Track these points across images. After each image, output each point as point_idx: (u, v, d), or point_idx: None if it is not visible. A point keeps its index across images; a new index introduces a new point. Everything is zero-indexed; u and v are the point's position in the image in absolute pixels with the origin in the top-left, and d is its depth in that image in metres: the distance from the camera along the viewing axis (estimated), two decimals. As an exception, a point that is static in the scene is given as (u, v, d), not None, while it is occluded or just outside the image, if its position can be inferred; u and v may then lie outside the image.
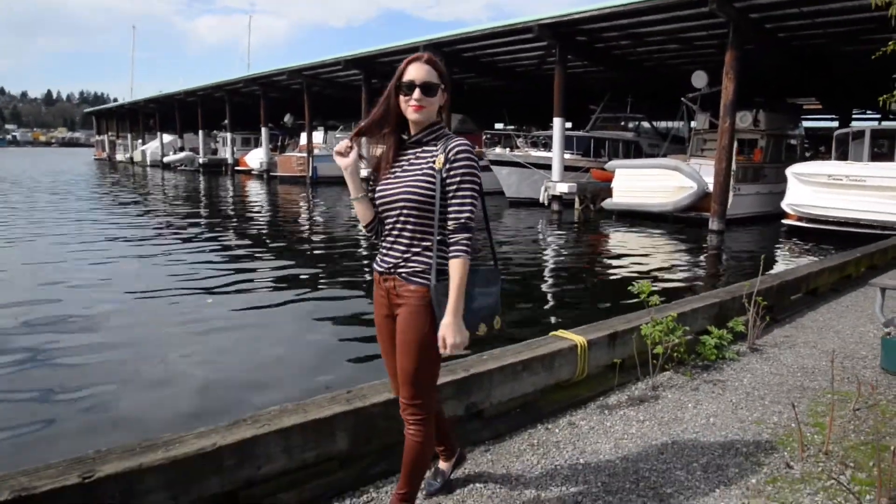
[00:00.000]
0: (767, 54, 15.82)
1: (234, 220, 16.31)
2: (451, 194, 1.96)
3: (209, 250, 10.86)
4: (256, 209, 19.75)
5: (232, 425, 2.25)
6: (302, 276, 8.96)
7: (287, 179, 30.17)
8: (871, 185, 12.10)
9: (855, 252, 7.32)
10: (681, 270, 10.29)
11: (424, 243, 1.99)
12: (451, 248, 1.94)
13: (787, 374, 3.89)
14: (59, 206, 17.75)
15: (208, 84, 35.70)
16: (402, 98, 2.00)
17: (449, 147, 1.97)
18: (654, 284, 4.67)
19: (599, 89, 22.86)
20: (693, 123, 19.08)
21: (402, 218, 2.00)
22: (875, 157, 13.34)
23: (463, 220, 1.94)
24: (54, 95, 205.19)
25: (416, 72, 1.97)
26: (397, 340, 2.04)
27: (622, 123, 23.56)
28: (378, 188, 2.06)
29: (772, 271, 6.85)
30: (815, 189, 12.85)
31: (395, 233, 2.03)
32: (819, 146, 22.38)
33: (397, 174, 2.03)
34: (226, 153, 38.36)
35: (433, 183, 1.96)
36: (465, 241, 1.94)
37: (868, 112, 27.79)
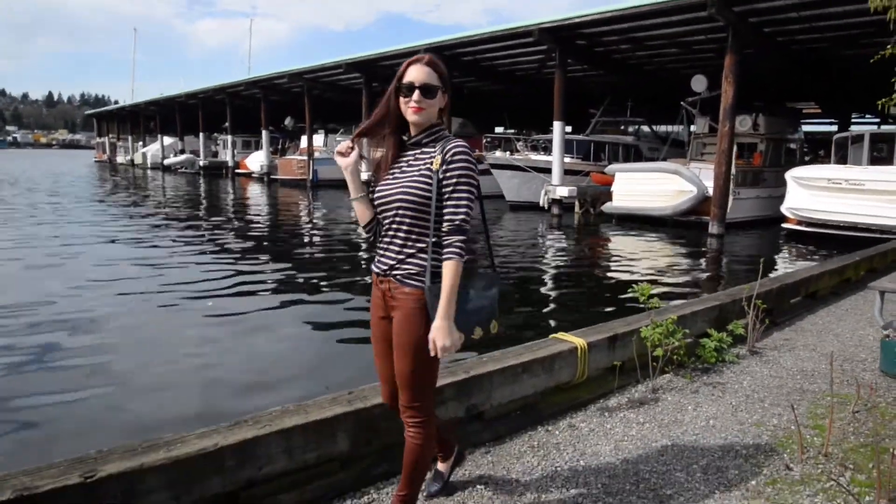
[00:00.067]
0: (767, 58, 15.86)
1: (235, 222, 16.33)
2: (447, 196, 1.94)
3: (209, 253, 10.87)
4: (257, 212, 19.77)
5: (233, 426, 2.25)
6: (302, 279, 8.97)
7: (287, 182, 30.21)
8: (870, 189, 12.11)
9: (854, 255, 7.33)
10: (680, 274, 10.30)
11: (419, 245, 1.98)
12: (445, 249, 1.92)
13: (786, 377, 3.90)
14: (59, 208, 17.77)
15: (209, 87, 35.77)
16: (401, 99, 1.99)
17: (446, 148, 1.96)
18: (654, 288, 4.68)
19: (599, 93, 22.91)
20: (693, 127, 19.11)
21: (397, 219, 2.00)
22: (874, 160, 13.38)
23: (458, 222, 1.93)
24: (55, 97, 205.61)
25: (415, 73, 1.97)
26: (394, 343, 2.03)
27: (622, 127, 23.61)
28: (377, 189, 2.07)
29: (771, 275, 6.85)
30: (815, 193, 12.87)
31: (390, 234, 2.03)
32: (818, 150, 22.42)
33: (396, 175, 2.03)
34: (226, 156, 38.40)
35: (430, 184, 1.95)
36: (458, 243, 1.92)
37: (867, 116, 27.86)
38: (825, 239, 12.57)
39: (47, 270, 8.76)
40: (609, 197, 16.76)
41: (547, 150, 20.87)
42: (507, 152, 21.82)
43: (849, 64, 16.48)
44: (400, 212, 1.98)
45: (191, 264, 9.59)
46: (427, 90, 1.96)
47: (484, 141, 26.31)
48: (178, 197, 23.96)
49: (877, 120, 26.21)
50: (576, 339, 3.47)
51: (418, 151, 2.03)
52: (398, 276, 2.00)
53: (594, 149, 21.37)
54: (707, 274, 10.48)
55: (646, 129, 24.71)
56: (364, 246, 11.85)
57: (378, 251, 2.09)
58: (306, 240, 14.05)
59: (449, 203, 1.94)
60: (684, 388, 3.68)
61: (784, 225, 13.76)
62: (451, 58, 19.28)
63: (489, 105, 29.20)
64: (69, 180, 31.57)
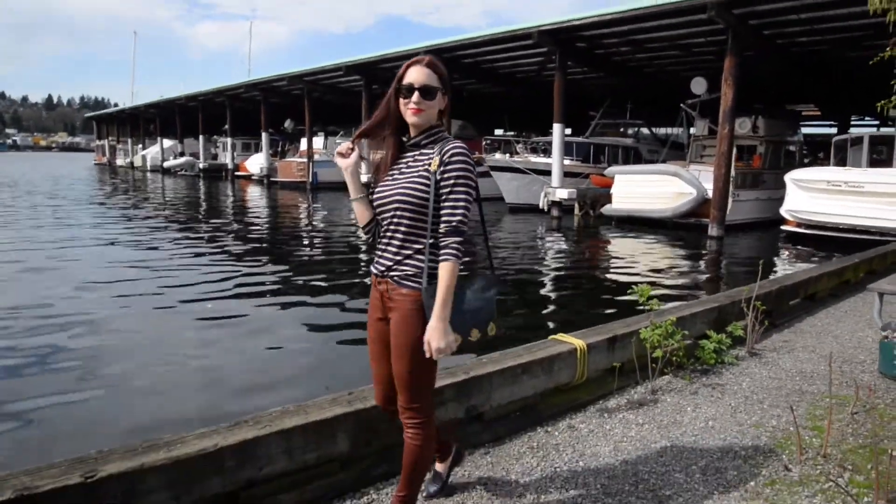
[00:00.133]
0: (766, 61, 15.89)
1: (235, 225, 16.34)
2: (444, 197, 1.94)
3: (209, 255, 10.87)
4: (256, 215, 19.78)
5: (233, 426, 2.26)
6: (302, 281, 8.98)
7: (287, 185, 30.22)
8: (870, 192, 12.13)
9: (853, 257, 7.33)
10: (680, 276, 10.30)
11: (417, 246, 1.97)
12: (441, 251, 1.92)
13: (785, 379, 3.91)
14: (58, 210, 17.77)
15: (209, 89, 35.83)
16: (401, 101, 2.00)
17: (444, 150, 1.96)
18: (654, 289, 4.69)
19: (599, 95, 22.95)
20: (692, 130, 19.15)
21: (395, 220, 1.99)
22: (873, 163, 13.42)
23: (454, 224, 1.92)
24: (55, 100, 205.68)
25: (415, 75, 1.97)
26: (392, 344, 2.03)
27: (622, 129, 23.64)
28: (376, 190, 2.07)
29: (770, 277, 6.86)
30: (814, 195, 12.89)
31: (388, 235, 2.03)
32: (818, 152, 22.45)
33: (395, 176, 2.03)
34: (226, 158, 38.42)
35: (427, 185, 1.95)
36: (455, 245, 1.91)
37: (866, 118, 27.93)
38: (824, 241, 12.58)
39: (47, 273, 8.76)
40: (609, 199, 16.77)
41: (547, 152, 20.88)
42: (507, 154, 21.84)
43: (848, 66, 16.51)
44: (398, 213, 1.98)
45: (190, 266, 9.59)
46: (426, 92, 1.96)
47: (484, 143, 26.35)
48: (178, 199, 23.98)
49: (876, 122, 26.26)
50: (575, 341, 3.47)
51: (417, 153, 2.03)
52: (395, 277, 2.00)
53: (594, 151, 21.40)
54: (706, 276, 10.49)
55: (645, 131, 24.74)
56: (364, 248, 11.86)
57: (377, 252, 2.09)
58: (306, 242, 14.06)
59: (446, 204, 1.94)
60: (683, 390, 3.68)
61: (783, 227, 13.78)
62: (451, 60, 19.31)
63: (489, 107, 29.26)
64: (68, 183, 31.59)
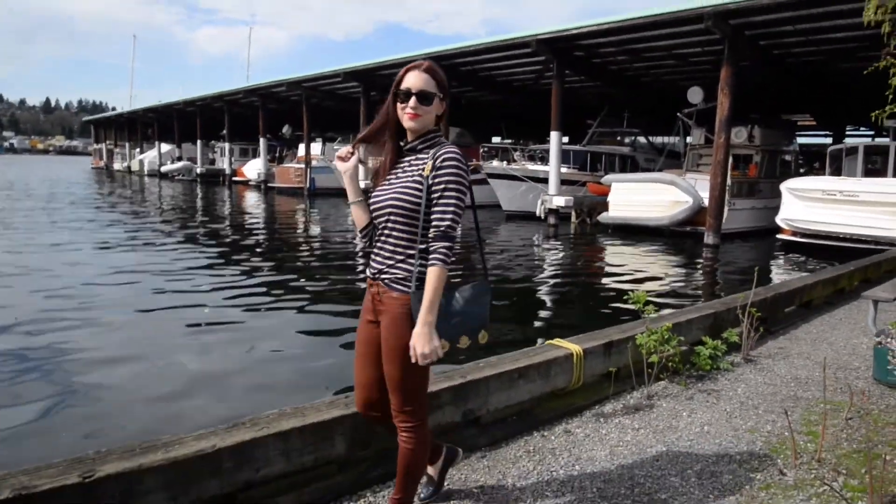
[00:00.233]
0: (762, 71, 16.01)
1: (232, 230, 16.33)
2: (434, 202, 1.94)
3: (205, 260, 10.87)
4: (254, 220, 19.77)
5: (231, 428, 2.26)
6: (300, 285, 8.98)
7: (285, 190, 30.25)
8: (865, 201, 12.21)
9: (848, 266, 7.38)
10: (676, 283, 10.33)
11: (409, 251, 1.98)
12: (430, 255, 1.91)
13: (780, 385, 3.93)
14: (55, 214, 17.74)
15: (207, 94, 35.87)
16: (398, 105, 2.01)
17: (438, 154, 1.96)
18: (650, 296, 4.70)
19: (596, 104, 23.06)
20: (689, 138, 19.24)
21: (389, 224, 2.01)
22: (868, 172, 13.51)
23: (443, 228, 1.91)
24: (53, 103, 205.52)
25: (413, 80, 1.98)
26: (382, 348, 2.03)
27: (619, 138, 23.73)
28: (373, 194, 2.09)
29: (766, 284, 6.89)
30: (810, 204, 12.97)
31: (382, 238, 2.04)
32: (813, 162, 22.57)
33: (391, 181, 2.04)
34: (224, 163, 38.44)
35: (420, 190, 1.95)
36: (443, 250, 1.89)
37: (861, 129, 28.09)
38: (820, 249, 12.64)
39: (44, 276, 8.75)
40: (605, 207, 16.84)
41: (544, 160, 20.96)
42: (504, 162, 21.91)
43: (843, 77, 16.67)
44: (391, 217, 2.00)
45: (187, 271, 9.58)
46: (423, 97, 1.97)
47: (481, 150, 26.41)
48: (175, 204, 23.95)
49: (871, 132, 26.42)
50: (572, 346, 3.49)
51: (413, 157, 2.04)
52: (386, 281, 2.01)
53: (591, 159, 21.47)
54: (702, 283, 10.52)
55: (642, 139, 24.86)
56: (361, 253, 11.87)
57: (372, 255, 2.11)
58: (303, 247, 14.06)
59: (436, 209, 1.93)
60: (679, 395, 3.70)
61: (779, 236, 13.85)
62: (449, 68, 19.39)
63: (487, 115, 29.36)
64: (65, 186, 31.52)
